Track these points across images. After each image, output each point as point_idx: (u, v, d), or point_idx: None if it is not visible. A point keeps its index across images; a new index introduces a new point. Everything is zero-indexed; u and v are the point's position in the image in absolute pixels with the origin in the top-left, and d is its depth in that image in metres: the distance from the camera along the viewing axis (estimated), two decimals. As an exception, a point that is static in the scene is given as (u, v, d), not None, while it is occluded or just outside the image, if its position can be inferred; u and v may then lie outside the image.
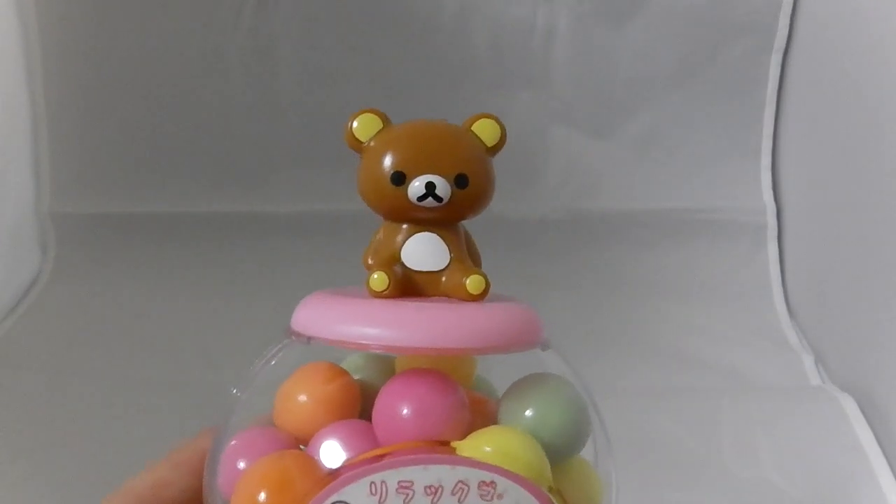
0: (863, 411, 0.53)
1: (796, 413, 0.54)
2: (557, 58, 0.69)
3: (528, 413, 0.21)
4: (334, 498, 0.19)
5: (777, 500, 0.48)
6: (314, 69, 0.68)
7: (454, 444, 0.20)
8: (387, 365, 0.24)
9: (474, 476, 0.19)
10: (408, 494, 0.19)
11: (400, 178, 0.22)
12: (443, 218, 0.22)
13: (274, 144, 0.70)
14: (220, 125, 0.69)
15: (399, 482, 0.19)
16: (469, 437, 0.20)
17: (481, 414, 0.22)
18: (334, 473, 0.19)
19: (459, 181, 0.22)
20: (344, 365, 0.23)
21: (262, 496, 0.20)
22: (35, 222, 0.68)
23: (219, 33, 0.67)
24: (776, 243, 0.70)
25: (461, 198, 0.22)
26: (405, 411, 0.20)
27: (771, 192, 0.70)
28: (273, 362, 0.23)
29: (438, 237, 0.22)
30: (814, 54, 0.66)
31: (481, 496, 0.19)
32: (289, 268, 0.67)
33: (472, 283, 0.21)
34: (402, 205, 0.22)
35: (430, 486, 0.19)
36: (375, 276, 0.21)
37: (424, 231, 0.22)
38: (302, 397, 0.22)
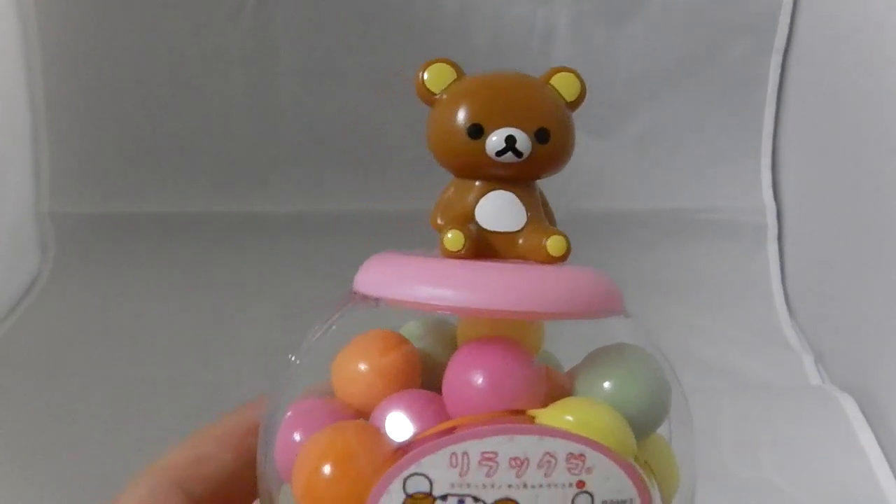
0: (863, 411, 0.53)
1: (796, 413, 0.54)
2: (557, 58, 0.68)
3: (606, 385, 0.20)
4: (412, 470, 0.17)
5: (777, 500, 0.48)
6: (314, 69, 0.68)
7: (532, 412, 0.18)
8: (447, 333, 0.22)
9: (563, 448, 0.18)
10: (491, 467, 0.17)
11: (477, 131, 0.20)
12: (520, 175, 0.21)
13: (274, 144, 0.70)
14: (220, 125, 0.69)
15: (482, 453, 0.17)
16: (548, 407, 0.19)
17: (554, 385, 0.20)
18: (406, 445, 0.18)
19: (540, 136, 0.20)
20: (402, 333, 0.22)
21: (327, 469, 0.18)
22: (34, 222, 0.68)
23: (219, 33, 0.67)
24: (776, 243, 0.70)
25: (542, 154, 0.20)
26: (480, 381, 0.18)
27: (771, 192, 0.70)
28: (333, 328, 0.21)
29: (515, 196, 0.21)
30: (814, 54, 0.66)
31: (569, 469, 0.18)
32: (289, 268, 0.67)
33: (553, 243, 0.20)
34: (478, 160, 0.20)
35: (515, 458, 0.17)
36: (450, 234, 0.20)
37: (499, 189, 0.21)
38: (362, 366, 0.20)
